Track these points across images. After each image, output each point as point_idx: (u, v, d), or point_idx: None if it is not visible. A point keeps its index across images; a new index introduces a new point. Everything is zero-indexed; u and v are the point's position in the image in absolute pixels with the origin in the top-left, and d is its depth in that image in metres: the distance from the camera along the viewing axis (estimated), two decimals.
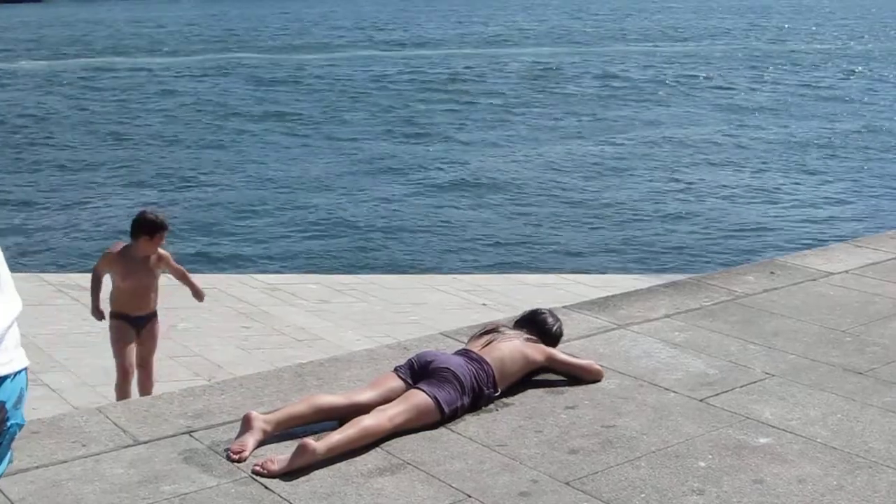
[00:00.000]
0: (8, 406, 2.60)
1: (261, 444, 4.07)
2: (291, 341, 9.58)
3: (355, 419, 4.13)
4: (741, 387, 4.84)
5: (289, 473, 3.85)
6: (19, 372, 2.64)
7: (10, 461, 2.96)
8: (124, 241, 7.03)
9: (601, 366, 4.98)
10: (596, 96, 33.25)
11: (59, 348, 9.02)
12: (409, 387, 4.40)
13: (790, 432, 4.32)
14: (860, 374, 5.02)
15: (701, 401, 4.67)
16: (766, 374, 5.01)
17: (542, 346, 4.89)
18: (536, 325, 5.05)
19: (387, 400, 4.31)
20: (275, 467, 3.87)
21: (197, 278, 7.72)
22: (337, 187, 19.96)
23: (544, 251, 15.39)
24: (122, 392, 6.81)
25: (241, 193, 19.39)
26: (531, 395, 4.71)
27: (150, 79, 38.26)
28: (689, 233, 16.55)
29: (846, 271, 6.92)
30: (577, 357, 5.00)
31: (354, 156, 23.31)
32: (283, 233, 16.55)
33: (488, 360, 4.61)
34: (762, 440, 4.24)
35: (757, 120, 28.43)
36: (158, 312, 7.14)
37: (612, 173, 21.14)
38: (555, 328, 5.10)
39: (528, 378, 4.82)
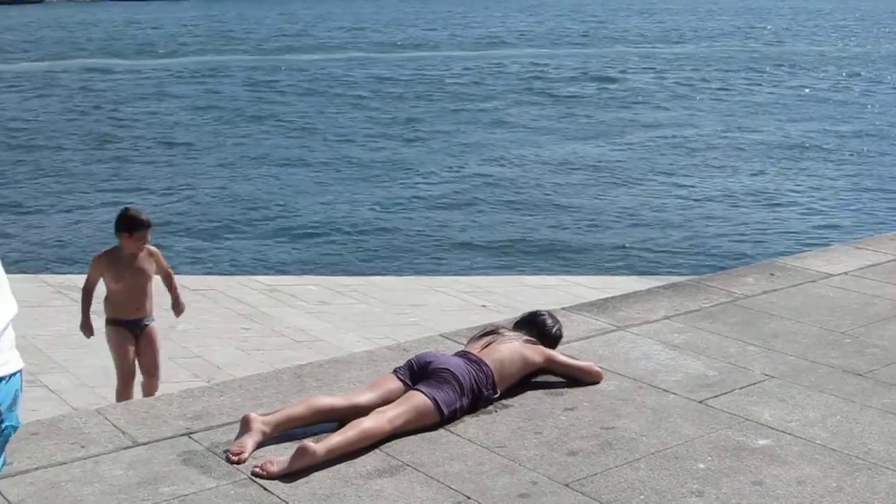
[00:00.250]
0: (2, 408, 2.60)
1: (260, 445, 4.07)
2: (291, 343, 9.58)
3: (355, 421, 4.13)
4: (740, 388, 4.84)
5: (288, 475, 3.85)
6: (14, 374, 2.64)
7: (6, 463, 2.97)
8: (108, 246, 6.97)
9: (600, 367, 4.98)
10: (594, 98, 33.25)
11: (59, 349, 9.01)
12: (408, 388, 4.40)
13: (789, 434, 4.32)
14: (860, 375, 5.02)
15: (700, 402, 4.67)
16: (766, 375, 5.01)
17: (542, 348, 4.89)
18: (536, 326, 5.05)
19: (386, 401, 4.31)
20: (274, 469, 3.87)
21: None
22: (336, 188, 19.96)
23: (544, 253, 15.38)
24: (124, 397, 6.77)
25: (241, 195, 19.38)
26: (530, 397, 4.71)
27: (149, 80, 38.24)
28: (689, 234, 16.54)
29: (846, 273, 6.93)
30: (576, 359, 5.01)
31: (354, 157, 23.30)
32: (283, 234, 16.54)
33: (487, 361, 4.61)
34: (761, 442, 4.24)
35: (756, 122, 28.42)
36: (155, 315, 7.02)
37: (612, 175, 21.13)
38: (554, 330, 5.10)
39: (528, 379, 4.82)
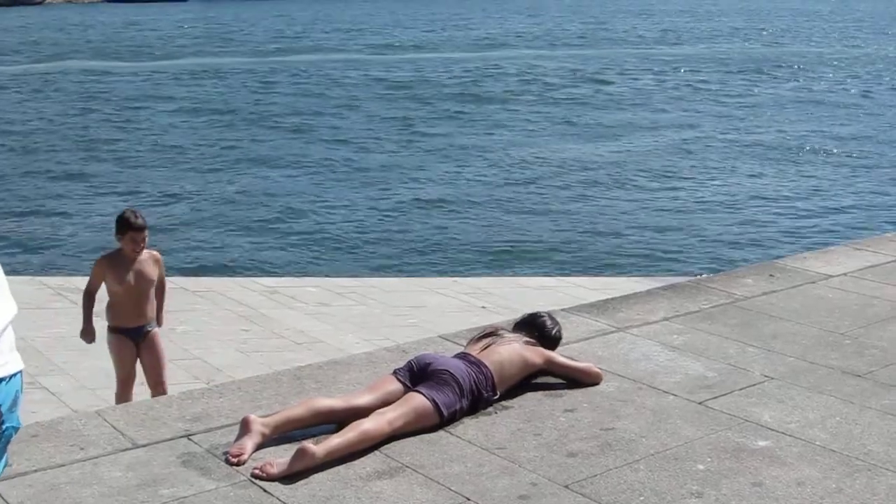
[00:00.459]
0: (3, 409, 2.60)
1: (259, 447, 4.07)
2: (291, 344, 9.58)
3: (354, 423, 4.13)
4: (740, 389, 4.84)
5: (288, 477, 3.85)
6: (14, 375, 2.64)
7: (7, 464, 2.97)
8: (110, 249, 6.91)
9: (600, 368, 4.98)
10: (593, 100, 33.25)
11: (58, 351, 9.01)
12: (407, 390, 4.40)
13: (789, 435, 4.32)
14: (859, 376, 5.02)
15: (700, 403, 4.67)
16: (765, 376, 5.01)
17: (541, 349, 4.89)
18: (535, 327, 5.05)
19: (385, 403, 4.31)
20: (274, 471, 3.87)
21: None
22: (336, 190, 19.96)
23: (543, 254, 15.38)
24: (123, 401, 6.74)
25: (240, 196, 19.38)
26: (530, 398, 4.71)
27: (147, 83, 38.25)
28: (688, 236, 16.54)
29: (845, 274, 6.93)
30: (575, 360, 5.00)
31: (353, 159, 23.30)
32: (283, 236, 16.54)
33: (487, 363, 4.61)
34: (761, 443, 4.24)
35: (755, 123, 28.43)
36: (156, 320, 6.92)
37: (611, 177, 21.14)
38: (554, 331, 5.10)
39: (527, 381, 4.82)
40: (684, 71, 41.26)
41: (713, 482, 3.89)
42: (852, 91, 35.30)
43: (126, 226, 6.56)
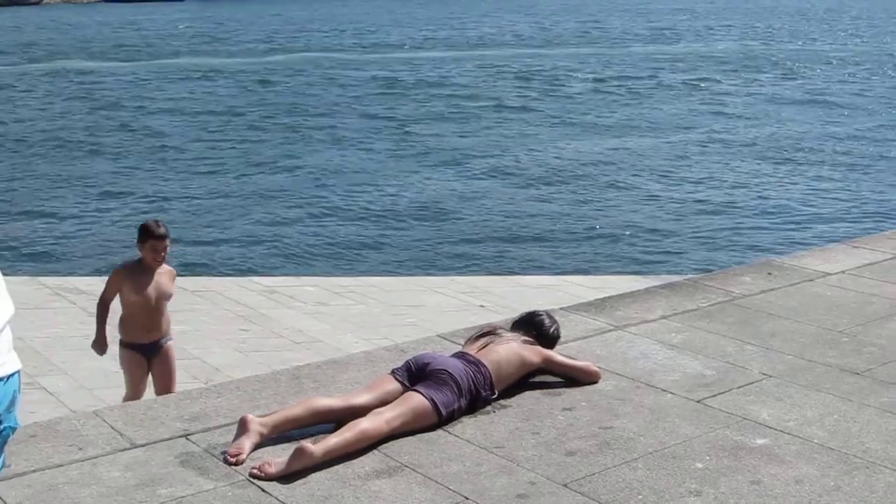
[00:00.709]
0: (1, 409, 2.60)
1: (257, 447, 4.07)
2: (289, 344, 9.58)
3: (352, 422, 4.13)
4: (738, 388, 4.84)
5: (286, 476, 3.85)
6: (12, 375, 2.64)
7: (5, 465, 2.97)
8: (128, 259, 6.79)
9: (598, 367, 4.98)
10: (590, 99, 33.25)
11: (57, 352, 9.01)
12: (406, 389, 4.40)
13: (787, 433, 4.32)
14: (857, 374, 5.03)
15: (698, 402, 4.67)
16: (763, 374, 5.01)
17: (539, 348, 4.89)
18: (533, 326, 5.05)
19: (384, 402, 4.31)
20: (272, 470, 3.87)
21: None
22: (334, 189, 19.95)
23: (542, 253, 15.38)
24: None
25: (238, 196, 19.38)
26: (528, 397, 4.71)
27: (145, 82, 38.23)
28: (686, 234, 16.55)
29: (843, 272, 6.93)
30: (574, 358, 5.01)
31: (350, 158, 23.30)
32: (281, 235, 16.53)
33: (485, 362, 4.61)
34: (759, 441, 4.24)
35: (753, 121, 28.43)
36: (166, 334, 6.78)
37: (610, 175, 21.14)
38: (552, 330, 5.10)
39: (526, 380, 4.82)
40: (682, 70, 41.25)
41: (712, 480, 3.89)
42: (850, 89, 35.31)
43: (147, 234, 6.47)
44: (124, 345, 6.61)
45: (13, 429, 2.75)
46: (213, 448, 4.12)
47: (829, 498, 3.77)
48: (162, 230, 6.49)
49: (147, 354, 6.62)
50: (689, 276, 8.68)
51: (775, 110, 30.50)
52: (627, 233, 16.54)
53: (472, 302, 11.37)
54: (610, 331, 5.70)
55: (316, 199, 19.07)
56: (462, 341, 5.12)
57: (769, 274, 6.88)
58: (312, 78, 39.25)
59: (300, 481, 3.83)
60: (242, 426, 4.12)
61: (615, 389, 4.82)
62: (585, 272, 13.88)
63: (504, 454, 4.11)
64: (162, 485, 3.81)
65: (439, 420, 4.34)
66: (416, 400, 4.31)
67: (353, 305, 11.29)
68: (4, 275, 2.79)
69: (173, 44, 56.38)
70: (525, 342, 4.87)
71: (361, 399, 4.33)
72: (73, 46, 54.81)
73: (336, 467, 3.94)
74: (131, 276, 6.51)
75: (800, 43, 54.96)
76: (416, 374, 4.48)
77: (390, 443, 4.16)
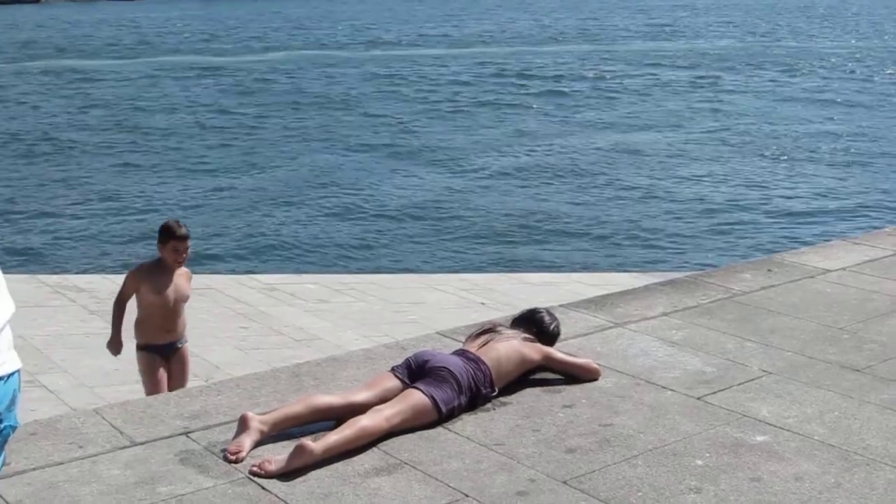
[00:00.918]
0: (1, 408, 2.60)
1: (257, 444, 4.07)
2: (290, 341, 9.58)
3: (352, 419, 4.13)
4: (738, 385, 4.84)
5: (286, 474, 3.85)
6: (12, 374, 2.64)
7: (6, 463, 2.97)
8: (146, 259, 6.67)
9: (598, 364, 4.98)
10: (589, 96, 33.24)
11: (57, 349, 9.01)
12: (406, 386, 4.40)
13: (787, 430, 4.32)
14: (857, 371, 5.02)
15: (698, 399, 4.67)
16: (764, 371, 5.01)
17: (540, 346, 4.88)
18: (534, 324, 5.05)
19: (384, 400, 4.31)
20: (272, 468, 3.86)
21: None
22: (335, 186, 19.95)
23: (542, 250, 15.39)
24: None
25: (240, 193, 19.38)
26: (528, 395, 4.71)
27: (145, 80, 38.23)
28: (687, 231, 16.55)
29: (843, 268, 6.92)
30: (574, 356, 5.00)
31: (351, 155, 23.31)
32: (281, 233, 16.54)
33: (485, 359, 4.60)
34: (759, 438, 4.24)
35: (754, 118, 28.42)
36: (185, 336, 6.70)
37: (610, 172, 21.13)
38: (552, 327, 5.09)
39: (526, 377, 4.82)
40: (682, 67, 41.23)
41: (712, 477, 3.89)
42: (851, 86, 35.29)
43: (169, 235, 6.35)
44: (141, 347, 6.47)
45: (14, 427, 2.75)
46: (213, 446, 4.12)
47: (829, 495, 3.76)
48: (184, 231, 6.38)
49: (165, 354, 6.50)
50: (690, 272, 8.67)
51: (776, 107, 30.48)
52: (628, 230, 16.54)
53: (473, 299, 11.36)
54: (610, 328, 5.69)
55: (316, 197, 19.07)
56: (462, 339, 5.12)
57: (769, 271, 6.87)
58: (313, 76, 39.23)
59: (300, 479, 3.83)
60: (242, 424, 4.11)
61: (615, 386, 4.81)
62: (586, 269, 13.88)
63: (504, 451, 4.11)
64: (162, 482, 3.81)
65: (439, 417, 4.33)
66: (415, 397, 4.30)
67: (354, 303, 11.29)
68: (4, 273, 2.79)
69: (172, 41, 56.34)
70: (525, 339, 4.86)
71: (361, 396, 4.33)
72: (73, 45, 54.78)
73: (336, 465, 3.94)
74: (150, 277, 6.37)
75: (800, 40, 54.91)
76: (416, 371, 4.48)
77: (390, 440, 4.16)
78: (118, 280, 12.16)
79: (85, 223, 17.15)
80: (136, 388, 6.97)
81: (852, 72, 39.39)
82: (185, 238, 6.38)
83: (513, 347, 4.75)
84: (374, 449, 4.09)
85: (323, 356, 5.60)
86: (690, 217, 17.38)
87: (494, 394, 4.61)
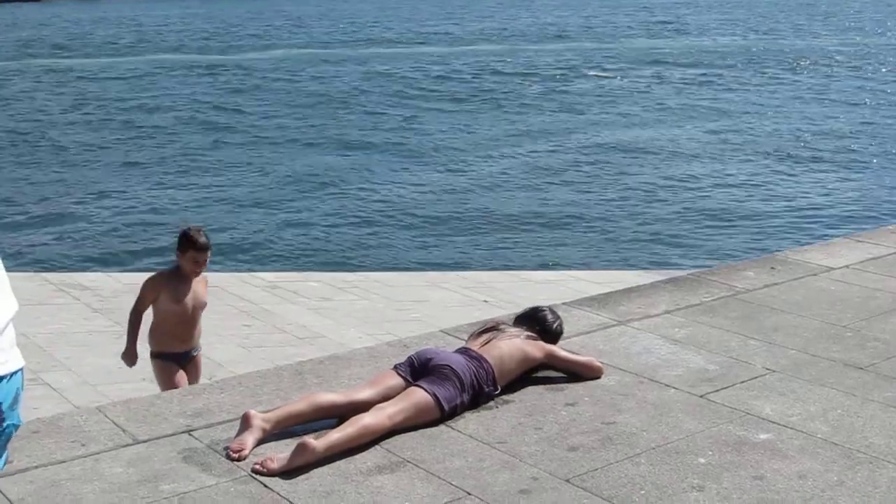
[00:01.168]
0: (4, 407, 2.60)
1: (260, 442, 4.07)
2: (293, 339, 9.58)
3: (355, 417, 4.13)
4: (741, 382, 4.83)
5: (288, 472, 3.85)
6: (15, 372, 2.64)
7: (8, 461, 2.97)
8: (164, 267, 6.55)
9: (601, 362, 4.97)
10: (591, 93, 33.20)
11: (60, 347, 9.02)
12: (408, 384, 4.40)
13: (791, 428, 4.31)
14: (861, 369, 5.01)
15: (701, 397, 4.66)
16: (767, 369, 5.00)
17: (542, 344, 4.88)
18: (536, 322, 5.05)
19: (386, 398, 4.31)
20: (274, 466, 3.86)
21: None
22: (338, 184, 19.96)
23: (545, 248, 15.38)
24: None
25: (242, 191, 19.39)
26: (531, 393, 4.70)
27: (147, 79, 38.24)
28: (689, 228, 16.53)
29: (847, 266, 6.91)
30: (577, 354, 5.00)
31: (355, 154, 23.31)
32: (285, 230, 16.54)
33: (488, 357, 4.60)
34: (762, 436, 4.23)
35: (756, 116, 28.39)
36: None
37: (612, 170, 21.12)
38: (555, 325, 5.09)
39: (528, 375, 4.81)
40: (684, 65, 41.18)
41: (714, 475, 3.89)
42: (854, 84, 35.23)
43: (190, 245, 6.14)
44: (156, 355, 6.31)
45: (16, 426, 2.75)
46: (216, 444, 4.12)
47: (832, 493, 3.76)
48: (204, 240, 6.18)
49: (181, 362, 6.34)
50: (693, 270, 8.66)
51: (779, 105, 30.44)
52: (630, 228, 16.53)
53: (476, 297, 11.37)
54: (613, 326, 5.69)
55: (319, 195, 19.08)
56: (465, 337, 5.12)
57: (772, 268, 6.87)
58: (315, 74, 39.23)
59: (302, 477, 3.83)
60: (245, 422, 4.12)
61: (618, 385, 4.81)
62: (588, 267, 13.87)
63: (506, 449, 4.10)
64: (164, 480, 3.81)
65: (441, 415, 4.33)
66: (418, 395, 4.30)
67: (357, 301, 11.29)
68: (8, 270, 2.79)
69: (172, 39, 56.36)
70: (528, 337, 4.86)
71: (364, 394, 4.33)
72: (74, 43, 54.79)
73: (338, 463, 3.94)
74: (168, 285, 6.19)
75: (802, 38, 54.84)
76: (418, 369, 4.48)
77: (392, 438, 4.16)
78: (122, 278, 12.24)
79: (89, 221, 17.17)
80: (140, 387, 6.99)
81: (855, 69, 39.33)
82: (205, 249, 6.18)
83: (515, 345, 4.74)
84: (377, 447, 4.09)
85: (326, 354, 5.60)
86: (693, 215, 17.37)
87: (497, 392, 4.61)
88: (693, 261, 14.11)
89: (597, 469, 3.94)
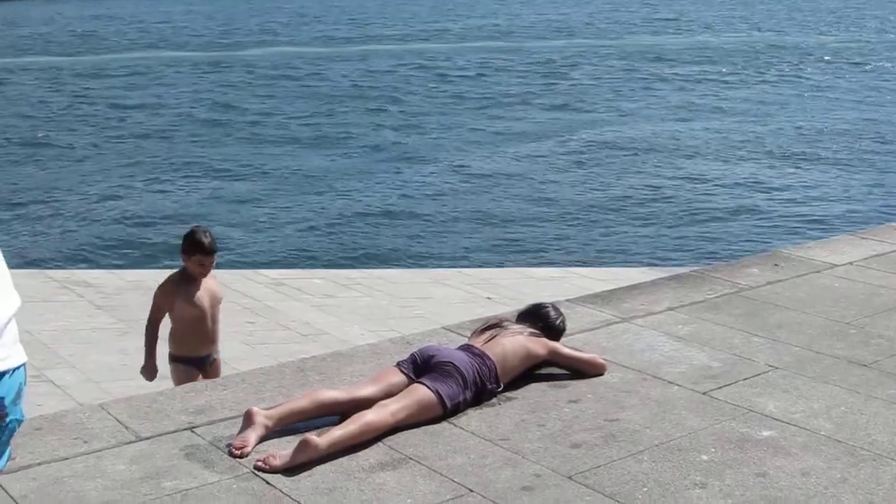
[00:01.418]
0: (7, 402, 2.60)
1: (262, 439, 4.07)
2: (296, 336, 9.58)
3: (357, 414, 4.13)
4: (745, 380, 4.83)
5: (291, 469, 3.85)
6: (17, 368, 2.64)
7: (11, 457, 2.97)
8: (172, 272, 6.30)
9: (604, 359, 4.97)
10: (593, 89, 33.18)
11: (64, 344, 9.03)
12: (411, 381, 4.40)
13: (794, 425, 4.31)
14: (864, 366, 5.00)
15: (704, 394, 4.66)
16: (770, 366, 5.00)
17: (545, 340, 4.87)
18: (539, 318, 5.04)
19: (389, 394, 4.31)
20: (277, 463, 3.87)
21: None
22: (341, 182, 19.96)
23: (549, 245, 15.38)
24: None
25: (245, 188, 19.40)
26: (534, 389, 4.70)
27: (150, 75, 38.26)
28: (693, 225, 16.52)
29: (850, 263, 6.90)
30: (580, 351, 4.99)
31: (358, 151, 23.31)
32: (288, 228, 16.54)
33: (490, 354, 4.60)
34: (765, 433, 4.23)
35: (760, 113, 28.35)
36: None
37: (616, 167, 21.11)
38: (557, 322, 5.08)
39: (531, 372, 4.81)
40: (688, 61, 41.13)
41: (717, 473, 3.88)
42: (858, 80, 35.17)
43: (196, 249, 5.93)
44: (176, 359, 6.08)
45: (19, 421, 2.75)
46: (219, 441, 4.12)
47: (835, 490, 3.75)
48: (211, 243, 5.96)
49: (200, 367, 6.08)
50: (696, 267, 8.66)
51: (782, 101, 30.40)
52: (634, 225, 16.51)
53: (479, 294, 11.36)
54: (616, 323, 5.68)
55: (322, 192, 19.08)
56: (468, 333, 5.11)
57: (776, 265, 6.85)
58: (315, 71, 39.21)
59: (305, 474, 3.83)
60: (247, 419, 4.12)
61: (621, 381, 4.81)
62: (592, 264, 13.86)
63: (509, 446, 4.10)
64: (167, 477, 3.81)
65: (444, 412, 4.33)
66: (421, 392, 4.30)
67: (361, 298, 11.29)
68: (11, 268, 2.79)
69: (175, 36, 56.37)
70: (531, 334, 4.85)
71: (366, 391, 4.33)
72: (75, 41, 54.82)
73: (341, 459, 3.94)
74: (181, 289, 5.98)
75: (806, 34, 54.74)
76: (421, 366, 4.48)
77: (395, 435, 4.16)
78: (125, 275, 12.25)
79: (92, 218, 17.18)
80: (143, 384, 6.97)
81: (859, 66, 39.26)
82: (212, 252, 5.97)
83: (518, 342, 4.74)
84: (379, 444, 4.09)
85: (329, 351, 5.60)
86: (697, 212, 17.35)
87: (500, 389, 4.60)
88: (696, 258, 14.09)
89: (600, 466, 3.93)
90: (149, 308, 6.13)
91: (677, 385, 4.76)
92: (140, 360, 6.32)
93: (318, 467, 3.88)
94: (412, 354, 4.57)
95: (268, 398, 4.55)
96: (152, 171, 20.99)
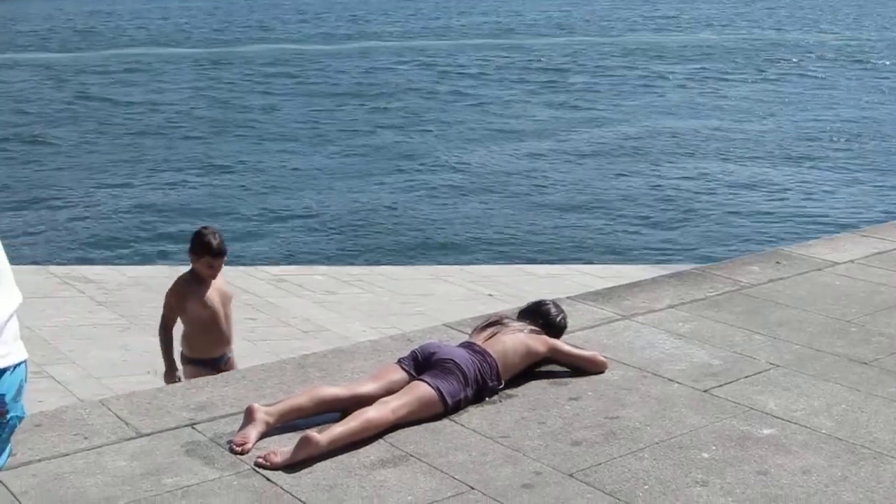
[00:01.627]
0: (7, 399, 2.60)
1: (263, 436, 4.07)
2: (298, 333, 9.58)
3: (358, 411, 4.13)
4: (745, 377, 4.82)
5: (291, 465, 3.85)
6: (18, 364, 2.64)
7: (11, 454, 2.97)
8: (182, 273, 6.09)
9: (605, 357, 4.97)
10: (596, 88, 33.16)
11: (65, 340, 9.02)
12: (412, 378, 4.40)
13: (794, 423, 4.31)
14: (865, 364, 5.00)
15: (705, 391, 4.66)
16: (771, 364, 5.00)
17: (546, 338, 4.87)
18: (540, 316, 5.04)
19: (390, 392, 4.31)
20: (278, 459, 3.87)
21: None
22: (342, 178, 19.95)
23: (550, 242, 15.37)
24: None
25: (246, 184, 19.39)
26: (535, 387, 4.70)
27: (150, 71, 38.24)
28: (694, 223, 16.51)
29: (851, 261, 6.90)
30: (580, 348, 4.99)
31: (360, 148, 23.29)
32: (289, 224, 16.54)
33: (491, 352, 4.60)
34: (766, 431, 4.23)
35: (762, 111, 28.34)
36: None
37: (617, 165, 21.09)
38: (558, 319, 5.08)
39: (532, 369, 4.81)
40: (689, 59, 41.11)
41: (718, 470, 3.88)
42: (859, 78, 35.14)
43: (205, 250, 5.81)
44: (190, 360, 5.99)
45: (20, 418, 2.75)
46: (219, 437, 4.12)
47: (835, 488, 3.75)
48: (220, 244, 5.84)
49: (215, 368, 5.90)
50: (697, 265, 8.65)
51: (783, 99, 30.38)
52: (635, 222, 16.51)
53: (481, 291, 11.36)
54: (617, 320, 5.68)
55: (323, 189, 19.07)
56: (469, 331, 5.11)
57: (777, 263, 6.85)
58: (317, 69, 39.19)
59: (306, 470, 3.83)
60: (248, 415, 4.12)
61: (622, 379, 4.81)
62: (593, 262, 13.86)
63: (510, 444, 4.10)
64: (167, 474, 3.81)
65: (445, 410, 4.33)
66: (421, 389, 4.30)
67: (362, 294, 11.29)
68: (12, 263, 2.79)
69: (175, 33, 56.36)
70: (532, 332, 4.85)
71: (367, 388, 4.33)
72: (75, 38, 54.81)
73: (341, 456, 3.94)
74: (191, 290, 5.88)
75: (806, 33, 54.70)
76: (422, 363, 4.47)
77: (396, 432, 4.16)
78: (127, 271, 12.25)
79: (94, 214, 17.17)
80: (144, 380, 6.99)
81: (861, 63, 39.23)
82: (221, 254, 5.86)
83: (519, 340, 4.74)
84: (380, 441, 4.09)
85: (330, 348, 5.60)
86: (698, 209, 17.35)
87: (500, 386, 4.60)
88: (697, 255, 14.09)
89: (600, 464, 3.94)
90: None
91: (678, 383, 4.76)
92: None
93: (319, 464, 3.88)
94: (413, 351, 4.57)
95: (268, 395, 4.55)
96: (153, 168, 20.98)
